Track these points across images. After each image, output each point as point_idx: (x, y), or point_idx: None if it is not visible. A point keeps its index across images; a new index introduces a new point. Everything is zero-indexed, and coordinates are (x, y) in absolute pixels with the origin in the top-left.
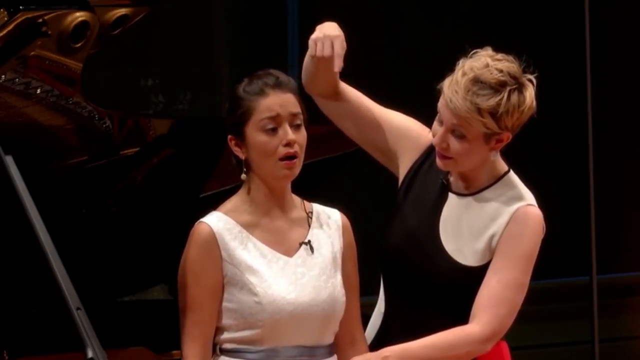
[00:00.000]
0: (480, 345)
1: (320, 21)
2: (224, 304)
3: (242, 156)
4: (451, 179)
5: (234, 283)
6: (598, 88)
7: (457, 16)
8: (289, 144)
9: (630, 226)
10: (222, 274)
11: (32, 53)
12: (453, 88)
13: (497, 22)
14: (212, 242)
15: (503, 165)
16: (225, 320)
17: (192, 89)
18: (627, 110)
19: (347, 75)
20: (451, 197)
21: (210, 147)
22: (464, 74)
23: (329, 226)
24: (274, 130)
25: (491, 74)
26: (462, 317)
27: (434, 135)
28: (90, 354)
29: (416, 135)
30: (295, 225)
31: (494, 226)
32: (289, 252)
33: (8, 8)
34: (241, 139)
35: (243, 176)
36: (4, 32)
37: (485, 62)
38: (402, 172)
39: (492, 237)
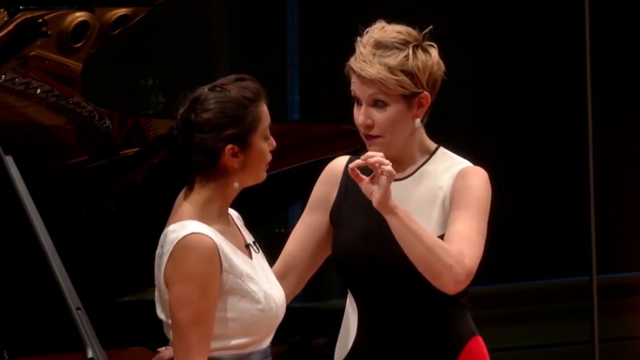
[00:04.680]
0: (461, 270)
1: (320, 21)
2: (224, 314)
3: (236, 166)
4: None
5: (235, 292)
6: (598, 88)
7: (456, 18)
8: (273, 149)
9: (630, 226)
10: (222, 284)
11: (32, 53)
12: (359, 59)
13: (496, 23)
14: (216, 253)
15: (432, 142)
16: (220, 330)
17: (192, 89)
18: (627, 110)
19: (348, 76)
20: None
21: None
22: (364, 45)
23: (240, 224)
24: (268, 136)
25: (389, 34)
26: (440, 297)
27: (356, 121)
28: (90, 354)
29: (321, 198)
30: (233, 227)
31: (441, 193)
32: (248, 255)
33: (8, 8)
34: (245, 147)
35: (236, 184)
36: (4, 32)
37: (380, 27)
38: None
39: (443, 201)
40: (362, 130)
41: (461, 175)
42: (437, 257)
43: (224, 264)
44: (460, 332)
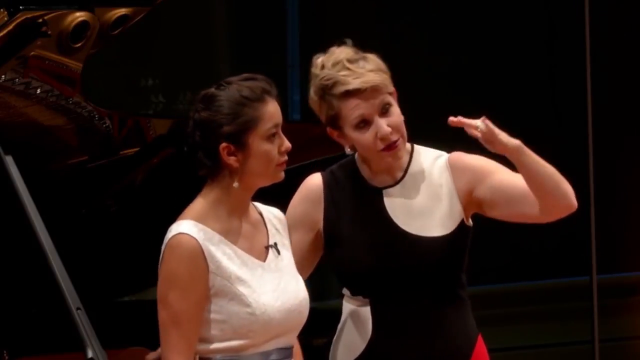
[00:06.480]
0: (573, 193)
1: (320, 21)
2: (212, 315)
3: (235, 164)
4: (370, 181)
5: (223, 294)
6: (598, 88)
7: (457, 17)
8: (286, 151)
9: (630, 226)
10: (209, 286)
11: (32, 53)
12: (353, 77)
13: (497, 21)
14: (199, 254)
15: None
16: (211, 332)
17: (192, 89)
18: (627, 110)
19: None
20: (385, 192)
21: None
22: (343, 65)
23: (278, 225)
24: (275, 137)
25: (346, 52)
26: (451, 295)
27: (366, 144)
28: (90, 354)
29: (303, 219)
30: (256, 228)
31: (445, 189)
32: (261, 257)
33: (8, 8)
34: (241, 146)
35: (236, 184)
36: (4, 32)
37: (332, 51)
38: (321, 221)
39: (450, 197)
40: (383, 144)
41: (453, 162)
42: (562, 178)
43: (211, 265)
44: (471, 328)
